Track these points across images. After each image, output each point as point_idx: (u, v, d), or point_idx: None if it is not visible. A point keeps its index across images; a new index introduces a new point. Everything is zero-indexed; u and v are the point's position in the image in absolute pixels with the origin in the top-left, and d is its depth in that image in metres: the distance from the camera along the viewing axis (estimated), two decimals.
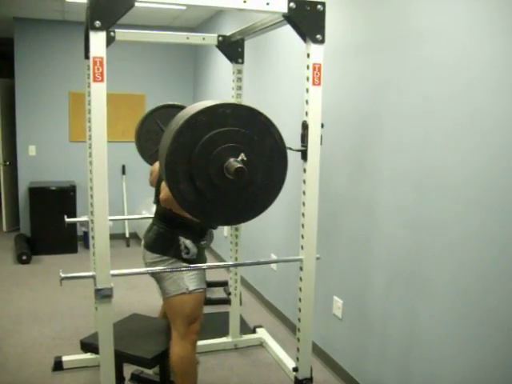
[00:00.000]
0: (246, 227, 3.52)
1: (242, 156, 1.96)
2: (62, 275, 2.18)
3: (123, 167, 7.02)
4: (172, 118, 3.51)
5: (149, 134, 3.61)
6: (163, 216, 2.81)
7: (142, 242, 2.95)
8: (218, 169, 1.95)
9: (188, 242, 2.77)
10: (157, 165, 3.07)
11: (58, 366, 3.50)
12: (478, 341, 2.31)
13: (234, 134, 1.95)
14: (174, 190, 1.98)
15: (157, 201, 2.90)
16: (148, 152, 3.66)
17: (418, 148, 2.65)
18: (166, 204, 2.68)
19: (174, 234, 2.77)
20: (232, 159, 1.94)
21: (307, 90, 2.37)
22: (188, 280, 2.75)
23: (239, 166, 1.90)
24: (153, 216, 2.97)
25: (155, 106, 3.70)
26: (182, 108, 3.62)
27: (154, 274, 2.81)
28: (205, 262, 2.98)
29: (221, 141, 1.94)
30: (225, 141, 1.94)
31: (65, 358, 3.53)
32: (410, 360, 2.76)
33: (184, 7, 5.49)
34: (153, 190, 3.08)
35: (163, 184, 2.60)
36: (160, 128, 3.57)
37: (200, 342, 2.91)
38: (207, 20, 6.50)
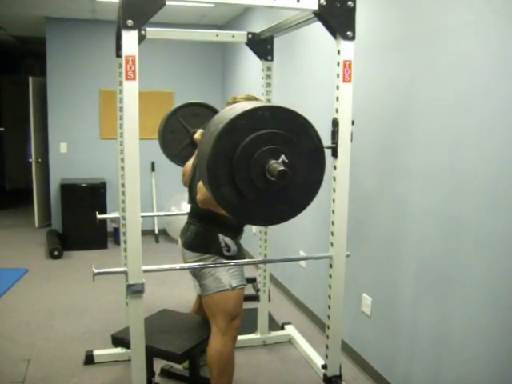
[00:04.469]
0: (273, 225, 3.52)
1: (283, 158, 1.96)
2: (95, 271, 2.21)
3: (152, 164, 7.08)
4: (194, 117, 3.56)
5: (172, 133, 3.60)
6: (200, 215, 2.81)
7: (180, 242, 2.96)
8: (260, 171, 1.95)
9: (227, 239, 2.79)
10: (189, 165, 3.07)
11: (90, 359, 3.55)
12: (508, 341, 2.27)
13: (274, 136, 1.96)
14: (216, 194, 1.99)
15: (192, 200, 2.91)
16: (172, 151, 3.65)
17: (450, 145, 2.62)
18: (204, 205, 2.67)
19: (213, 231, 2.78)
20: (273, 161, 1.94)
21: (338, 87, 2.36)
22: (230, 276, 2.77)
23: (282, 168, 1.90)
24: (188, 215, 2.97)
25: (177, 105, 3.69)
26: (203, 106, 3.65)
27: (194, 272, 2.84)
28: (244, 257, 2.98)
29: (261, 143, 1.94)
30: (265, 143, 1.95)
31: (96, 352, 3.58)
32: (439, 359, 2.73)
33: (212, 5, 5.50)
34: (183, 188, 3.10)
35: (200, 185, 2.61)
36: (183, 127, 3.57)
37: None
38: (234, 18, 6.50)
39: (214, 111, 3.47)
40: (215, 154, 1.92)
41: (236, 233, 2.86)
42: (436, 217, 2.73)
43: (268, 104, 1.99)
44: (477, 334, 2.46)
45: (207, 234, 2.80)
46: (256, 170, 1.95)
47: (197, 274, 2.83)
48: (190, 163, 3.07)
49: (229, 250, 2.79)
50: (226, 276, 2.75)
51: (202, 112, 3.61)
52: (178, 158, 3.62)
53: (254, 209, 2.05)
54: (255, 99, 2.91)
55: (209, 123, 2.10)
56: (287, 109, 2.01)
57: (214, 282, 2.76)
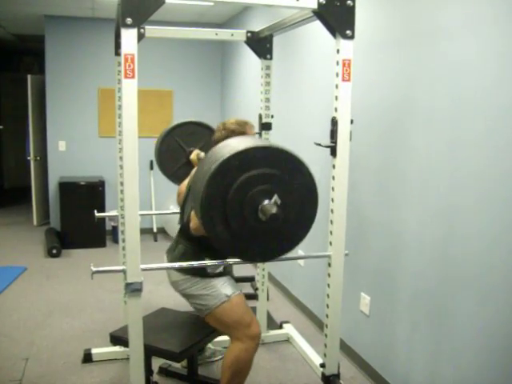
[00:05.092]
0: None
1: (276, 198, 1.98)
2: (94, 269, 2.21)
3: (151, 163, 7.06)
4: (191, 135, 3.58)
5: (168, 151, 3.62)
6: (189, 236, 2.78)
7: (166, 260, 2.95)
8: (253, 211, 1.97)
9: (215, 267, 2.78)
10: (183, 186, 3.06)
11: (88, 358, 3.55)
12: (507, 340, 2.28)
13: (266, 176, 1.98)
14: (210, 233, 2.02)
15: (182, 221, 2.92)
16: (169, 170, 3.68)
17: (449, 145, 2.62)
18: (196, 233, 2.66)
19: (201, 254, 2.75)
20: (266, 201, 1.96)
21: (337, 86, 2.36)
22: (223, 288, 2.76)
23: (273, 212, 1.92)
24: (176, 233, 2.97)
25: (173, 124, 3.70)
26: (199, 125, 3.66)
27: (184, 293, 2.83)
28: (232, 276, 2.96)
29: (254, 183, 1.96)
30: (258, 183, 1.97)
31: (94, 351, 3.58)
32: (437, 358, 2.73)
33: (212, 3, 5.51)
34: None
35: (193, 213, 2.61)
36: (180, 146, 3.59)
37: (226, 337, 2.92)
38: (234, 16, 6.50)
39: (211, 130, 3.48)
40: (209, 194, 1.94)
41: (224, 256, 2.80)
42: (435, 215, 2.74)
43: (260, 144, 1.99)
44: (476, 332, 2.46)
45: (194, 256, 2.76)
46: (249, 209, 1.97)
47: (187, 294, 2.82)
48: (185, 183, 3.04)
49: (215, 268, 2.78)
50: (219, 289, 2.75)
51: (198, 131, 3.65)
52: (175, 177, 3.65)
53: (248, 246, 2.08)
54: (245, 124, 2.93)
55: (202, 161, 2.11)
56: (279, 148, 2.02)
57: (209, 300, 2.75)
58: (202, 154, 3.09)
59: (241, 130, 2.86)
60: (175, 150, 3.60)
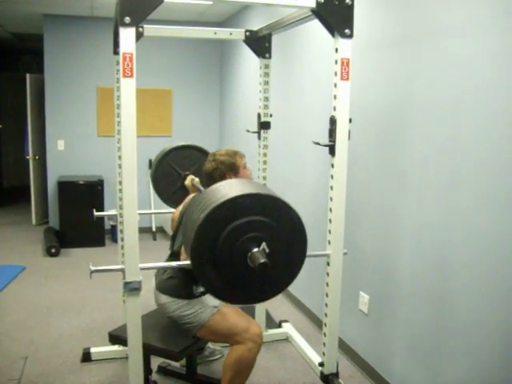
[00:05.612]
0: None
1: (264, 246, 1.97)
2: (92, 268, 2.21)
3: (150, 162, 7.05)
4: (185, 159, 3.60)
5: (164, 176, 3.65)
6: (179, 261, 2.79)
7: (155, 282, 2.96)
8: (242, 258, 1.96)
9: (201, 288, 2.79)
10: (177, 212, 3.06)
11: (87, 357, 3.56)
12: (507, 339, 2.28)
13: (255, 224, 1.97)
14: (201, 279, 2.04)
15: (172, 248, 2.94)
16: (165, 194, 3.71)
17: (448, 145, 2.62)
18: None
19: (188, 281, 2.79)
20: (255, 249, 1.95)
21: (335, 85, 2.36)
22: (210, 301, 2.79)
23: (262, 261, 1.91)
24: (167, 257, 2.99)
25: (167, 149, 3.71)
26: (194, 148, 3.68)
27: (176, 318, 2.83)
28: None
29: (242, 231, 1.96)
30: (246, 231, 1.96)
31: (93, 350, 3.58)
32: (436, 357, 2.73)
33: (210, 2, 5.51)
34: None
35: (183, 249, 2.64)
36: (175, 170, 3.61)
37: None
38: (233, 15, 6.50)
39: (205, 153, 3.51)
40: (198, 244, 1.94)
41: None
42: (434, 214, 2.74)
43: (248, 192, 2.00)
44: (475, 331, 2.47)
45: (181, 282, 2.81)
46: (238, 257, 1.96)
47: (176, 317, 2.83)
48: (179, 209, 3.05)
49: (199, 288, 2.80)
50: (205, 304, 2.78)
51: (192, 154, 3.68)
52: (171, 201, 3.68)
53: (238, 291, 2.08)
54: (235, 154, 2.95)
55: (192, 205, 2.12)
56: (267, 195, 2.02)
57: (198, 316, 2.77)
58: (197, 180, 3.10)
59: (231, 160, 2.91)
60: (170, 173, 3.64)
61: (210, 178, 2.89)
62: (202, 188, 2.87)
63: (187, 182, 3.21)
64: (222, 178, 2.82)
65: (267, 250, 1.97)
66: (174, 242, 2.96)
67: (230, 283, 2.03)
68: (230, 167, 2.90)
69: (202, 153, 3.64)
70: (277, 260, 2.00)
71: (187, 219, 2.13)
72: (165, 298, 2.84)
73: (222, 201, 1.94)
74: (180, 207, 3.04)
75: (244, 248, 1.96)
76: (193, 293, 2.80)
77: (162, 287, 2.88)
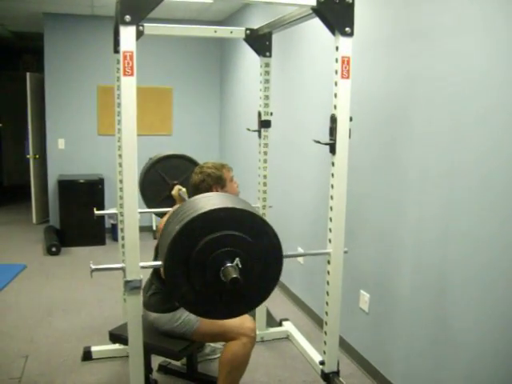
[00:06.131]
0: (272, 221, 3.52)
1: (237, 261, 1.95)
2: (93, 267, 2.20)
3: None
4: (174, 169, 3.61)
5: (151, 184, 3.66)
6: (161, 278, 2.78)
7: (141, 300, 2.96)
8: (215, 273, 1.95)
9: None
10: (163, 222, 3.05)
11: (87, 355, 3.56)
12: (506, 337, 2.28)
13: (229, 238, 1.95)
14: (174, 293, 2.02)
15: (155, 258, 2.93)
16: (152, 202, 3.71)
17: (447, 145, 2.62)
18: None
19: (170, 298, 2.78)
20: (228, 264, 1.94)
21: (336, 84, 2.36)
22: None
23: (233, 276, 1.90)
24: (151, 273, 2.99)
25: (156, 158, 3.72)
26: (182, 158, 3.68)
27: (168, 332, 2.85)
28: None
29: (216, 245, 1.94)
30: (220, 245, 1.94)
31: (94, 349, 3.59)
32: (436, 355, 2.73)
33: (211, 0, 5.51)
34: None
35: None
36: (163, 179, 3.61)
37: None
38: (233, 13, 6.49)
39: (194, 164, 3.51)
40: (172, 256, 1.93)
41: None
42: (434, 211, 2.74)
43: (224, 206, 1.98)
44: (475, 329, 2.47)
45: (164, 298, 2.84)
46: (211, 271, 1.95)
47: (167, 331, 2.85)
48: (164, 220, 3.04)
49: None
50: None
51: (180, 164, 3.69)
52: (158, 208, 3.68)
53: (212, 306, 2.07)
54: (222, 167, 2.95)
55: (171, 215, 2.12)
56: (243, 209, 2.00)
57: (187, 322, 2.79)
58: (184, 190, 3.09)
59: (217, 173, 2.91)
60: (158, 182, 3.65)
61: (196, 190, 2.87)
62: (187, 199, 2.87)
63: (174, 191, 3.20)
64: (209, 190, 2.82)
65: (240, 266, 1.95)
66: (157, 252, 2.93)
67: (203, 298, 2.01)
68: (216, 180, 2.90)
69: (191, 163, 3.65)
70: (250, 276, 1.98)
71: (164, 231, 2.12)
72: (152, 315, 2.88)
73: (198, 213, 1.93)
74: (165, 218, 3.03)
75: (218, 262, 1.94)
76: (174, 305, 2.81)
77: (147, 305, 2.91)
